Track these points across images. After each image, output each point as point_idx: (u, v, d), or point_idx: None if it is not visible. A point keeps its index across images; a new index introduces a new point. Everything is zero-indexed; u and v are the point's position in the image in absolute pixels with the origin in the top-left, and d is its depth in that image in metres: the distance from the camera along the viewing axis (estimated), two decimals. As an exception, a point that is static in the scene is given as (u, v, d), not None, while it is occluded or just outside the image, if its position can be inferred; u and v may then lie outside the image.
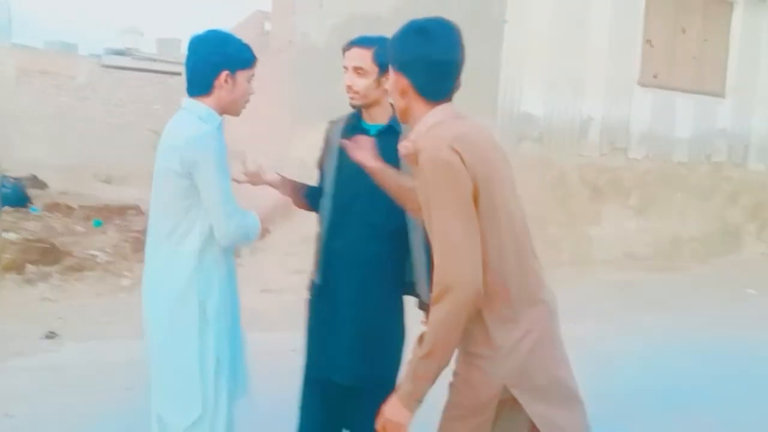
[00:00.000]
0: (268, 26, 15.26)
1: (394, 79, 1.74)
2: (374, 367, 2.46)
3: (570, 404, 1.72)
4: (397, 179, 2.10)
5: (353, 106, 2.50)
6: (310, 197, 2.59)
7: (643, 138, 8.09)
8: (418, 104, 1.72)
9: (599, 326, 5.52)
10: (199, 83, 2.20)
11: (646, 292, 6.76)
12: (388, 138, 2.43)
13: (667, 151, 8.32)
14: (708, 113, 8.55)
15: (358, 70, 2.42)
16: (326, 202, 2.53)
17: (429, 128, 1.68)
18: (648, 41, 7.91)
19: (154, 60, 18.88)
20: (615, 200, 7.94)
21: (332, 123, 2.61)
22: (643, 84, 7.95)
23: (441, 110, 1.70)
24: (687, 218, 8.53)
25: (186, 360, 2.15)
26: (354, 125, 2.52)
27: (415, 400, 1.62)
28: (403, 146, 1.75)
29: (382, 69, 2.39)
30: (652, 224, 8.24)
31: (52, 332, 4.71)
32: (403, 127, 2.47)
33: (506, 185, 1.66)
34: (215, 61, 2.17)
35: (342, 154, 2.47)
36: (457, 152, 1.56)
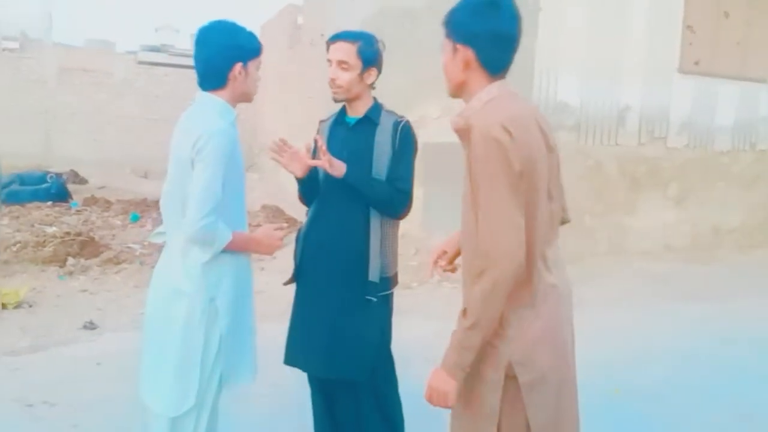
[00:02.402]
0: (300, 20, 15.32)
1: (455, 52, 1.74)
2: (346, 360, 2.47)
3: (561, 389, 1.74)
4: None
5: (336, 100, 2.54)
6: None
7: (683, 126, 7.88)
8: (478, 78, 1.74)
9: (636, 317, 5.43)
10: (214, 77, 2.18)
11: (685, 284, 6.60)
12: (365, 128, 2.51)
13: (708, 140, 8.09)
14: (752, 100, 8.28)
15: (343, 64, 2.45)
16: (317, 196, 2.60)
17: (484, 104, 1.70)
18: (689, 27, 7.67)
19: (189, 56, 19.12)
20: (653, 190, 7.76)
21: (322, 122, 2.69)
22: (683, 71, 7.72)
23: (496, 87, 1.73)
24: (728, 208, 8.29)
25: (189, 353, 2.14)
26: (339, 120, 2.60)
27: (460, 370, 1.66)
28: (454, 121, 1.76)
29: (366, 64, 2.47)
30: (692, 215, 8.03)
31: (91, 323, 4.82)
32: (382, 117, 2.54)
33: (546, 171, 1.69)
34: (229, 54, 2.15)
35: (328, 147, 2.50)
36: (508, 132, 1.59)
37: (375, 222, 2.47)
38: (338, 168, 2.38)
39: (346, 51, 2.44)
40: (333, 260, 2.48)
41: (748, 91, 8.22)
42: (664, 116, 7.71)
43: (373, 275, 2.46)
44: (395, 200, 2.47)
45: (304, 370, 2.63)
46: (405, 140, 2.51)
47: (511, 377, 1.67)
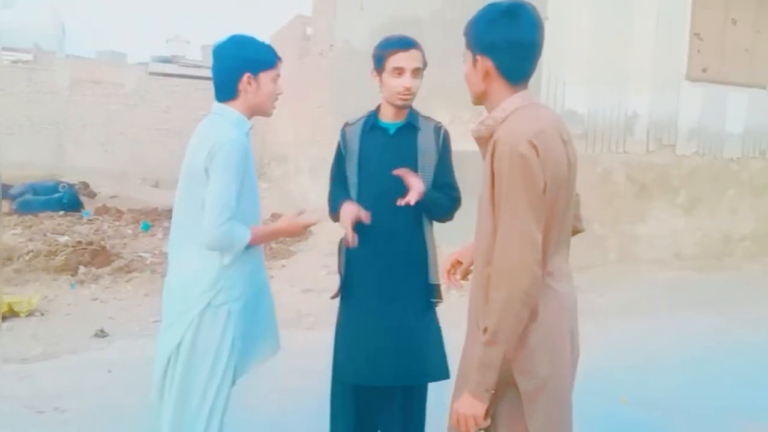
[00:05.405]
0: (309, 31, 15.42)
1: (475, 62, 1.73)
2: (407, 366, 2.44)
3: (560, 399, 1.71)
4: None
5: (402, 107, 2.48)
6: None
7: (691, 134, 7.86)
8: (499, 88, 1.72)
9: (646, 326, 5.39)
10: (225, 88, 2.26)
11: (696, 292, 6.55)
12: (407, 134, 2.49)
13: (717, 147, 8.06)
14: (761, 107, 8.25)
15: (416, 72, 2.44)
16: None
17: (508, 114, 1.68)
18: (696, 34, 7.67)
19: (199, 67, 19.31)
20: (662, 198, 7.73)
21: (348, 125, 2.63)
22: (691, 78, 7.72)
23: (520, 97, 1.70)
24: (738, 216, 8.25)
25: (205, 361, 2.19)
26: (372, 125, 2.54)
27: (484, 390, 1.63)
28: (475, 129, 1.75)
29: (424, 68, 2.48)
30: (702, 222, 8.00)
31: (102, 331, 4.85)
32: (420, 121, 2.52)
33: (567, 183, 1.68)
34: (236, 66, 2.23)
35: (362, 156, 2.51)
36: (535, 147, 1.58)
37: (426, 226, 2.50)
38: (419, 188, 2.34)
39: (419, 58, 2.44)
40: (392, 268, 2.44)
41: (757, 98, 8.20)
42: (672, 124, 7.70)
43: (434, 277, 2.48)
44: (452, 208, 2.50)
45: (379, 383, 2.49)
46: (447, 145, 2.51)
47: (511, 384, 1.65)
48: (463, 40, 1.78)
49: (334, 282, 2.71)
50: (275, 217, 10.24)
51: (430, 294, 2.50)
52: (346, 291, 2.57)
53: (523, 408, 1.64)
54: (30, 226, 9.18)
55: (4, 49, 17.70)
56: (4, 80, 17.02)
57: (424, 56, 2.47)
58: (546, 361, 1.65)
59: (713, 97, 7.89)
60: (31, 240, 8.12)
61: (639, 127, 7.50)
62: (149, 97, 18.55)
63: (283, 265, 7.55)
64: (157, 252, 7.82)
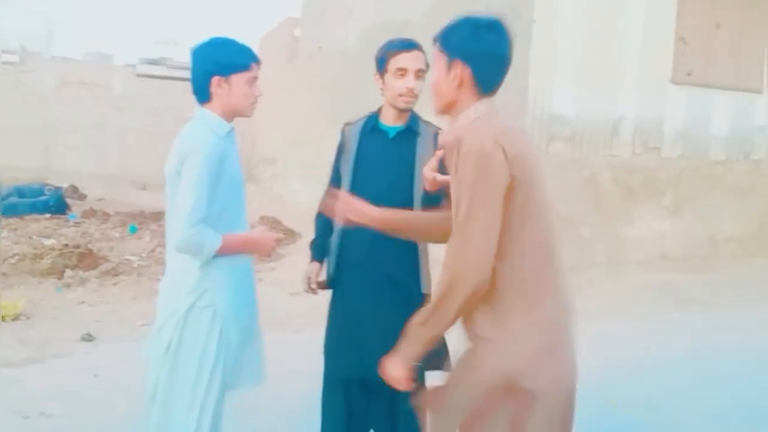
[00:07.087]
0: (298, 33, 15.40)
1: (450, 68, 1.75)
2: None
3: (558, 407, 1.70)
4: (404, 217, 2.14)
5: (404, 110, 2.46)
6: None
7: (677, 137, 7.93)
8: (468, 96, 1.76)
9: (633, 327, 5.43)
10: (199, 91, 2.27)
11: (683, 294, 6.60)
12: (407, 138, 2.46)
13: (702, 150, 8.14)
14: (746, 110, 8.34)
15: (420, 73, 2.41)
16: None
17: (472, 121, 1.71)
18: (681, 38, 7.75)
19: (187, 68, 19.18)
20: (649, 200, 7.80)
21: (348, 125, 2.61)
22: (676, 82, 7.79)
23: (484, 105, 1.75)
24: (724, 218, 8.32)
25: (191, 363, 2.19)
26: (372, 128, 2.52)
27: (409, 359, 1.76)
28: (443, 139, 1.80)
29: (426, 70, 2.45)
30: (688, 225, 8.07)
31: (89, 334, 4.81)
32: (420, 126, 2.49)
33: (542, 186, 1.72)
34: (206, 69, 2.24)
35: (359, 156, 2.48)
36: (501, 146, 1.60)
37: None
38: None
39: (422, 59, 2.41)
40: (383, 272, 2.43)
41: (742, 101, 8.29)
42: (658, 127, 7.77)
43: (426, 287, 2.45)
44: None
45: (368, 375, 2.38)
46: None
47: (512, 392, 1.64)
48: None
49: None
50: (264, 219, 10.21)
51: (421, 304, 2.49)
52: (336, 291, 2.57)
53: (523, 416, 1.63)
54: (16, 229, 9.08)
55: (-9, 50, 17.53)
56: (-10, 82, 16.87)
57: (426, 58, 2.42)
58: (547, 369, 1.65)
59: (698, 100, 7.98)
60: (16, 243, 8.03)
61: (625, 130, 7.57)
62: (137, 99, 18.43)
63: (272, 268, 7.52)
64: (144, 255, 7.77)
